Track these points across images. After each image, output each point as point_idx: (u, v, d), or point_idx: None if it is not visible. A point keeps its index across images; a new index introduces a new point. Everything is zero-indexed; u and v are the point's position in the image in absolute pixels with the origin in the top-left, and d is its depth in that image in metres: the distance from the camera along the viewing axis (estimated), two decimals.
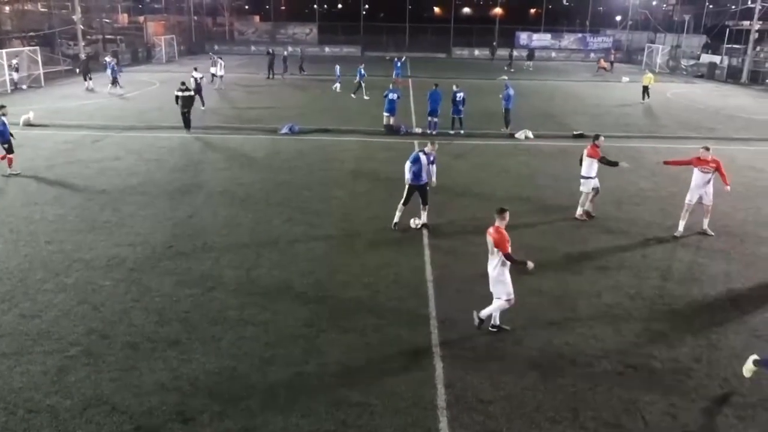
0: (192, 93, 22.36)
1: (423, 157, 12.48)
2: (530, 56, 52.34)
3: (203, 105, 26.50)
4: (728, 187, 12.31)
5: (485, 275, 10.76)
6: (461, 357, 8.06)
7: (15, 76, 32.70)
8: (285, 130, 22.47)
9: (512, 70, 48.72)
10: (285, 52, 44.06)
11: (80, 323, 8.69)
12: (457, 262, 11.17)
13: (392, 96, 22.77)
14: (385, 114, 22.91)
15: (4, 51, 33.09)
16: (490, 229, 8.52)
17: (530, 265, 8.47)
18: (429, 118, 22.69)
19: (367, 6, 73.52)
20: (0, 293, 9.51)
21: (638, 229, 12.98)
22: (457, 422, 6.76)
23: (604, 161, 13.00)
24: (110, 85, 32.13)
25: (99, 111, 26.58)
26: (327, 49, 63.99)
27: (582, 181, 13.31)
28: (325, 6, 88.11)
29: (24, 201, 14.01)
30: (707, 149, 12.31)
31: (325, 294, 9.79)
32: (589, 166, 13.15)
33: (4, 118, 16.59)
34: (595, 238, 12.47)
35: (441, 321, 8.95)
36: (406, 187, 12.50)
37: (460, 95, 22.28)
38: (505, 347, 8.32)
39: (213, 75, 34.49)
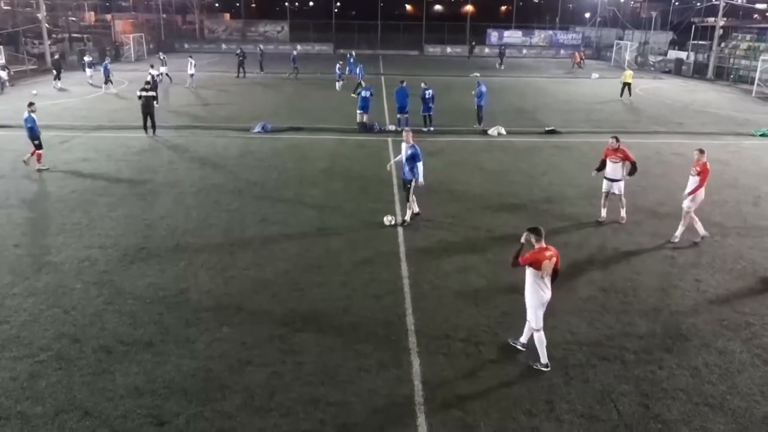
0: (154, 93, 21.96)
1: (403, 149, 12.57)
2: (501, 55, 52.52)
3: (157, 103, 25.68)
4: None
5: (460, 271, 10.87)
6: (438, 353, 8.11)
7: (3, 74, 31.75)
8: (257, 128, 22.29)
9: (502, 67, 49.11)
10: (259, 49, 43.80)
11: (51, 327, 8.53)
12: (432, 258, 11.21)
13: (365, 93, 22.75)
14: (359, 111, 22.86)
15: None
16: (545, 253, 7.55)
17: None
18: (398, 115, 22.71)
19: (338, 4, 73.29)
20: None
21: (609, 224, 13.17)
22: (435, 418, 6.80)
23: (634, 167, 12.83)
24: (104, 84, 31.58)
25: (66, 111, 26.07)
26: (299, 47, 63.58)
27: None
28: (297, 3, 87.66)
29: None
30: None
31: (300, 294, 9.75)
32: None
33: (33, 115, 16.77)
34: (568, 233, 12.62)
35: (417, 318, 8.98)
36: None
37: (429, 93, 22.36)
38: (481, 342, 8.38)
39: (161, 74, 33.67)
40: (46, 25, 42.18)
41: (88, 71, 34.56)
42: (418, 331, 8.61)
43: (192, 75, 33.79)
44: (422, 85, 22.72)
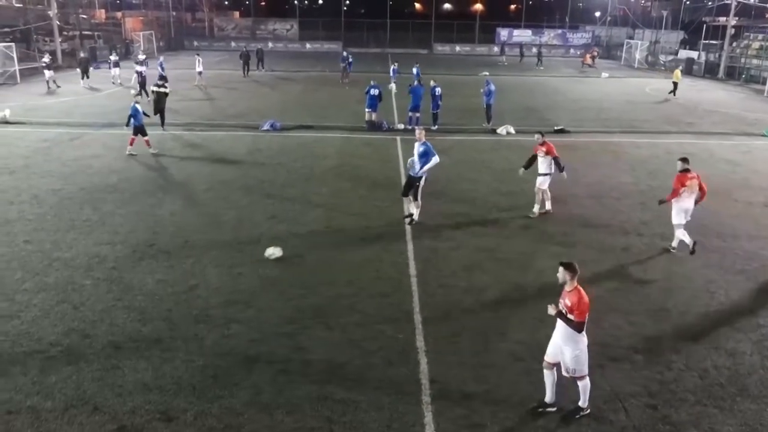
0: (168, 90, 22.03)
1: (415, 147, 12.59)
2: (539, 55, 51.77)
3: (148, 97, 25.41)
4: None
5: (468, 269, 10.86)
6: (445, 352, 8.10)
7: (49, 73, 31.22)
8: (266, 126, 22.34)
9: (542, 67, 48.73)
10: (258, 47, 43.93)
11: (61, 323, 8.59)
12: (439, 257, 11.21)
13: (373, 92, 22.76)
14: (367, 110, 22.87)
15: None
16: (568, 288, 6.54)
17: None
18: (410, 114, 22.71)
19: (347, 2, 73.30)
20: None
21: (618, 223, 13.13)
22: (442, 416, 6.79)
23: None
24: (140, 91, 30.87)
25: (77, 108, 26.21)
26: (308, 46, 63.75)
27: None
28: (306, 2, 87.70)
29: (1, 200, 13.78)
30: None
31: (308, 291, 9.77)
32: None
33: (137, 105, 17.94)
34: (576, 232, 12.58)
35: (425, 316, 8.98)
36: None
37: (438, 90, 22.39)
38: (489, 341, 8.37)
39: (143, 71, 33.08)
40: (57, 22, 42.39)
41: (114, 70, 33.49)
42: (425, 330, 8.60)
43: (200, 73, 33.83)
44: (431, 82, 22.73)
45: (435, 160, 12.41)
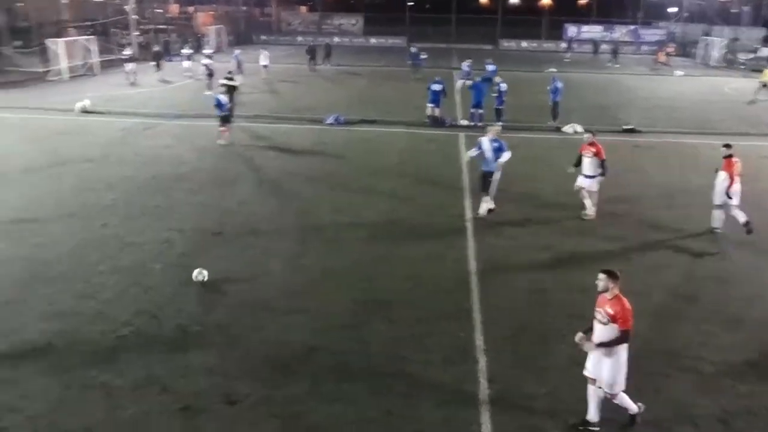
0: (236, 83, 22.54)
1: (486, 143, 12.51)
2: (614, 52, 50.05)
3: (210, 89, 26.61)
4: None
5: (530, 269, 10.68)
6: (505, 351, 8.01)
7: (130, 66, 32.10)
8: (331, 120, 22.59)
9: (617, 65, 47.19)
10: (326, 42, 44.18)
11: (132, 305, 8.96)
12: (501, 255, 11.07)
13: (436, 87, 22.64)
14: (429, 105, 22.78)
15: (61, 40, 34.14)
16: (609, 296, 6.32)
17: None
18: (473, 110, 22.49)
19: None
20: (57, 274, 9.88)
21: (690, 228, 12.61)
22: (499, 417, 6.72)
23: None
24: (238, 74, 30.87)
25: (151, 99, 27.22)
26: (372, 40, 63.97)
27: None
28: None
29: (80, 186, 14.48)
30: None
31: (370, 285, 9.84)
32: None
33: (220, 96, 18.84)
34: (644, 235, 12.17)
35: (485, 314, 8.90)
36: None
37: (503, 86, 22.07)
38: (549, 343, 8.22)
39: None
40: (134, 16, 44.10)
41: (186, 63, 34.20)
42: (485, 328, 8.52)
43: (265, 66, 34.37)
44: (496, 78, 22.43)
45: (507, 155, 12.54)
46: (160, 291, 9.42)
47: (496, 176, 12.65)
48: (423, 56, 37.71)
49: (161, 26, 56.35)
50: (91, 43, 36.11)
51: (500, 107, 22.23)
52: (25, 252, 10.70)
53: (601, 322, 6.32)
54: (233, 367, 7.54)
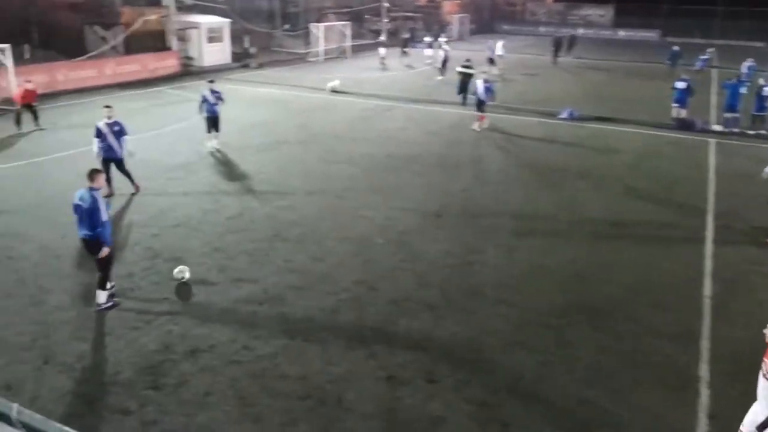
0: (473, 71, 22.80)
1: None
2: None
3: (442, 75, 28.80)
4: None
5: None
6: (732, 388, 7.11)
7: (382, 51, 34.83)
8: (564, 114, 21.82)
9: None
10: (571, 33, 42.31)
11: (354, 273, 9.70)
12: (744, 279, 9.79)
13: (680, 85, 20.52)
14: (674, 106, 20.78)
15: (322, 25, 37.71)
16: None
17: None
18: (726, 114, 20.00)
19: None
20: (296, 235, 11.06)
21: None
22: None
23: None
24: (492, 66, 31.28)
25: (393, 83, 28.86)
26: (621, 33, 60.09)
27: None
28: None
29: (324, 158, 15.97)
30: None
31: (583, 287, 9.42)
32: None
33: (480, 81, 19.55)
34: None
35: (714, 343, 7.98)
36: None
37: (766, 90, 19.23)
38: None
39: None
40: (386, 4, 46.90)
41: (428, 51, 35.43)
42: (712, 358, 7.65)
43: (500, 56, 34.17)
44: (761, 81, 19.66)
45: None
46: (380, 264, 10.04)
47: None
48: (705, 56, 34.10)
49: (409, 14, 59.07)
50: (346, 28, 39.30)
51: (760, 114, 19.46)
52: (272, 211, 12.15)
53: (765, 376, 5.44)
54: (436, 346, 7.79)
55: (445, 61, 30.16)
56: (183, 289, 9.05)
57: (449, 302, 8.88)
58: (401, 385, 7.02)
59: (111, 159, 12.55)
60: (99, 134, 12.38)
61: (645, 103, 24.73)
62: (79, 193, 8.14)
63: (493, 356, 7.62)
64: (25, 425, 2.88)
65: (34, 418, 2.89)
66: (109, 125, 12.41)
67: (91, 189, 8.13)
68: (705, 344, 7.96)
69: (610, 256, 10.53)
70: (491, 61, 31.53)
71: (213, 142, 16.32)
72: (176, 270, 9.15)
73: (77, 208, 8.11)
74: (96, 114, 19.96)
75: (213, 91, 15.93)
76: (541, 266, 10.10)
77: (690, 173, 15.47)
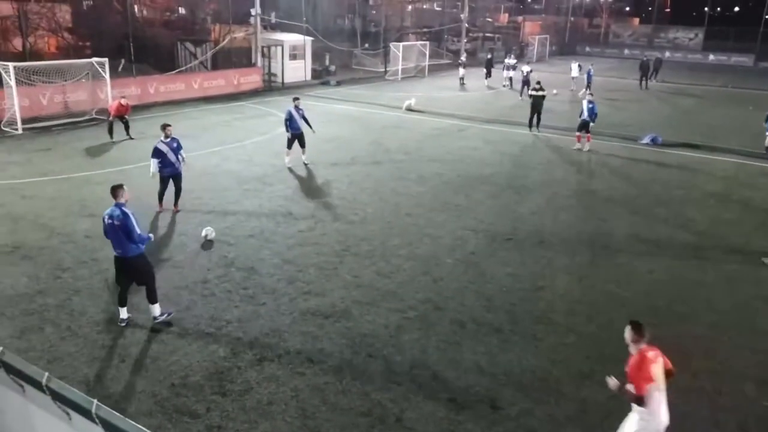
0: (544, 93, 22.36)
1: None
2: None
3: (521, 96, 29.15)
4: None
5: None
6: None
7: (462, 71, 35.20)
8: (646, 140, 21.08)
9: None
10: (656, 56, 40.41)
11: (421, 291, 9.67)
12: None
13: None
14: None
15: (401, 44, 38.17)
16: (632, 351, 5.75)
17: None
18: None
19: None
20: (364, 251, 11.15)
21: None
22: None
23: None
24: (585, 90, 30.06)
25: (467, 103, 28.79)
26: (711, 57, 57.62)
27: None
28: (718, 9, 78.99)
29: (395, 176, 16.07)
30: None
31: (659, 320, 8.95)
32: None
33: (585, 102, 19.82)
34: None
35: None
36: None
37: None
38: None
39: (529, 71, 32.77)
40: (466, 25, 47.01)
41: (506, 72, 34.86)
42: None
43: (573, 78, 33.30)
44: None
45: None
46: (447, 284, 9.96)
47: None
48: None
49: (489, 34, 59.00)
50: (425, 47, 39.62)
51: None
52: (342, 226, 12.31)
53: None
54: (501, 372, 7.62)
55: (525, 83, 29.71)
56: (207, 243, 11.23)
57: (516, 327, 8.69)
58: (463, 409, 6.91)
59: (172, 175, 12.60)
60: (159, 154, 12.32)
61: (737, 131, 23.54)
62: (108, 212, 8.00)
63: (559, 387, 7.38)
64: (102, 421, 3.03)
65: (113, 415, 3.03)
66: (168, 143, 12.38)
67: (119, 205, 7.96)
68: None
69: (688, 293, 10.00)
70: (588, 84, 30.63)
71: (302, 157, 16.70)
72: (203, 232, 11.31)
73: (110, 227, 7.95)
74: (183, 125, 21.01)
75: (297, 108, 16.36)
76: (613, 296, 9.74)
77: None
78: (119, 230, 7.87)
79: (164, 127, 12.62)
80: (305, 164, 16.61)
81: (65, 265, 10.15)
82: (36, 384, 3.39)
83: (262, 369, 7.51)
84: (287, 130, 16.30)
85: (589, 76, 31.74)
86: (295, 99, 16.88)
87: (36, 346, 7.84)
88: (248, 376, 7.35)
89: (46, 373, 3.37)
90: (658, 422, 5.52)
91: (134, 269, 8.21)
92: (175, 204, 12.91)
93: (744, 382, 7.56)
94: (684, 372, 7.75)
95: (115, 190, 8.09)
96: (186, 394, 6.99)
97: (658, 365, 5.60)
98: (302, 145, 16.53)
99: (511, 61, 36.01)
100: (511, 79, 33.52)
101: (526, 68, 31.36)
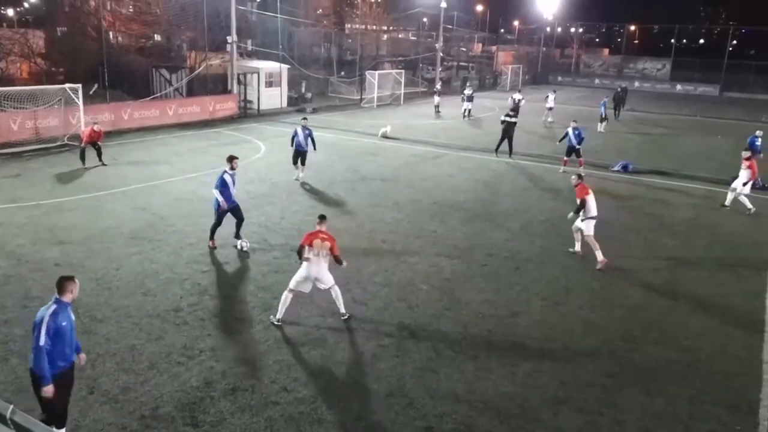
0: (516, 120, 22.71)
1: None
2: None
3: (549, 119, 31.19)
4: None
5: None
6: None
7: (436, 99, 36.14)
8: (617, 167, 21.49)
9: None
10: (623, 86, 40.32)
11: (396, 318, 9.62)
12: None
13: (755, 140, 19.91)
14: None
15: (376, 72, 38.59)
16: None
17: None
18: None
19: (734, 42, 65.90)
20: (339, 278, 11.03)
21: None
22: None
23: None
24: (600, 123, 31.32)
25: (443, 131, 29.09)
26: (679, 87, 59.30)
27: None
28: (684, 41, 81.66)
29: (371, 202, 16.09)
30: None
31: (633, 347, 9.06)
32: None
33: (569, 130, 20.53)
34: None
35: None
36: None
37: None
38: None
39: (522, 99, 33.84)
40: (441, 54, 47.79)
41: (466, 104, 34.30)
42: None
43: (550, 108, 33.87)
44: None
45: None
46: (423, 311, 9.93)
47: None
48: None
49: (463, 63, 60.01)
50: (401, 76, 40.11)
51: None
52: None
53: None
54: (478, 399, 7.57)
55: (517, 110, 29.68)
56: (243, 254, 11.95)
57: (492, 354, 8.68)
58: None
59: (231, 208, 12.11)
60: (224, 185, 11.74)
61: (705, 159, 24.14)
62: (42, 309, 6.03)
63: (536, 414, 7.36)
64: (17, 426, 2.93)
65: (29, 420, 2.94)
66: (232, 175, 11.91)
67: (59, 302, 6.02)
68: (763, 413, 7.50)
69: (663, 319, 10.11)
70: (549, 109, 32.27)
71: (300, 174, 17.70)
72: (239, 245, 12.09)
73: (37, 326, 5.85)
74: (157, 151, 20.84)
75: (304, 128, 17.40)
76: (589, 323, 9.80)
77: (754, 232, 14.89)
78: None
79: (231, 159, 12.06)
80: (296, 180, 17.59)
81: (33, 294, 9.88)
82: (0, 417, 3.28)
83: (236, 399, 7.36)
84: (291, 146, 17.57)
85: (604, 106, 31.46)
86: (303, 119, 18.18)
87: (0, 378, 7.60)
88: (221, 407, 7.19)
89: (11, 406, 3.26)
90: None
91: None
92: (237, 234, 12.32)
93: (716, 408, 7.61)
94: (659, 395, 7.82)
95: (63, 283, 6.07)
96: (156, 426, 6.81)
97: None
98: (302, 162, 17.60)
99: (467, 91, 35.37)
100: (468, 110, 33.80)
101: (518, 96, 32.06)
